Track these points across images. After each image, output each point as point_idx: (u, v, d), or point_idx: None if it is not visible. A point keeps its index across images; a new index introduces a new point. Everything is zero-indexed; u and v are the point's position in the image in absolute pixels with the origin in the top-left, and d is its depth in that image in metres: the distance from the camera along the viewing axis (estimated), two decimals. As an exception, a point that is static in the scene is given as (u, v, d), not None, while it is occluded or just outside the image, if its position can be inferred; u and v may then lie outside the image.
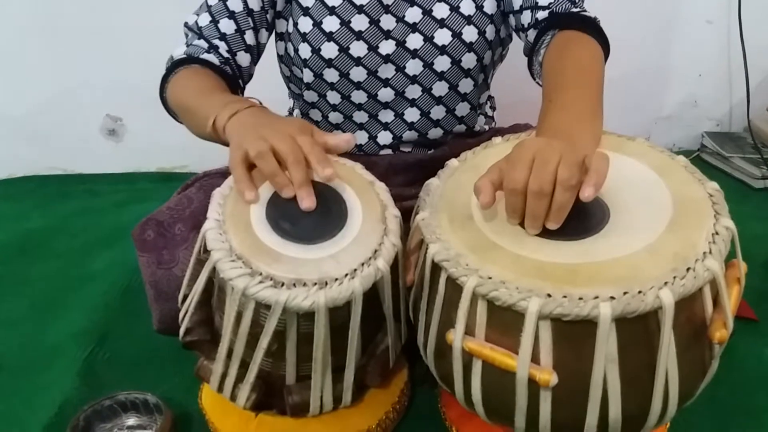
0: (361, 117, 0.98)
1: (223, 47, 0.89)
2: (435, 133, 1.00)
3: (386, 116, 0.98)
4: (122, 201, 1.62)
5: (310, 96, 0.98)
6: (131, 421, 0.86)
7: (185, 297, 0.77)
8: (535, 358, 0.60)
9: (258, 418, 0.80)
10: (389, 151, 1.01)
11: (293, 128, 0.71)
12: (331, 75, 0.93)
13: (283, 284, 0.64)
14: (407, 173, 1.00)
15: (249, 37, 0.91)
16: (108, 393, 0.85)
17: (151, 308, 0.88)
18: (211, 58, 0.88)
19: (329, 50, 0.90)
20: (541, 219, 0.62)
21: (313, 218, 0.70)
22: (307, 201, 0.68)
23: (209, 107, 0.77)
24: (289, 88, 1.06)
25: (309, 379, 0.73)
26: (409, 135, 0.99)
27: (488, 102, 1.09)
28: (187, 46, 0.90)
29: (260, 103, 0.82)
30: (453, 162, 0.78)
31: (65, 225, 1.50)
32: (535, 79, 0.92)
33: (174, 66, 0.88)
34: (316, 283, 0.64)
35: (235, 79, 0.92)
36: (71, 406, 0.90)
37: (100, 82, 1.67)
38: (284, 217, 0.69)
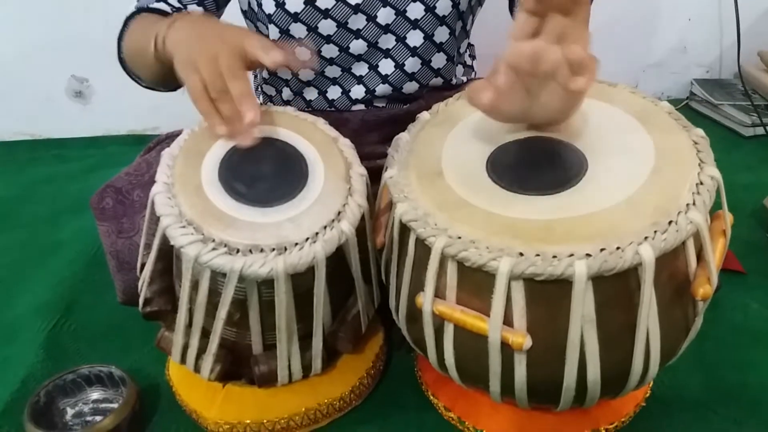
0: (333, 71, 0.92)
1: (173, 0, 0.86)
2: (410, 87, 0.94)
3: (360, 69, 0.92)
4: (92, 166, 1.57)
5: None
6: (96, 394, 0.82)
7: (143, 266, 0.73)
8: (507, 321, 0.58)
9: (225, 389, 0.77)
10: (362, 107, 0.96)
11: (240, 37, 0.68)
12: (298, 30, 0.87)
13: (238, 251, 0.60)
14: (381, 130, 0.95)
15: None
16: (71, 367, 0.82)
17: (114, 279, 0.85)
18: (162, 6, 0.85)
19: (294, 3, 0.85)
20: None
21: (271, 179, 0.66)
22: (250, 113, 0.64)
23: (152, 33, 0.73)
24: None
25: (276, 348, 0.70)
26: (382, 89, 0.93)
27: (467, 51, 1.04)
28: (138, 1, 0.87)
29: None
30: (424, 115, 0.74)
31: (32, 192, 1.46)
32: None
33: (125, 23, 0.86)
34: (274, 249, 0.61)
35: None
36: (35, 381, 0.87)
37: (63, 40, 1.60)
38: (239, 178, 0.65)
